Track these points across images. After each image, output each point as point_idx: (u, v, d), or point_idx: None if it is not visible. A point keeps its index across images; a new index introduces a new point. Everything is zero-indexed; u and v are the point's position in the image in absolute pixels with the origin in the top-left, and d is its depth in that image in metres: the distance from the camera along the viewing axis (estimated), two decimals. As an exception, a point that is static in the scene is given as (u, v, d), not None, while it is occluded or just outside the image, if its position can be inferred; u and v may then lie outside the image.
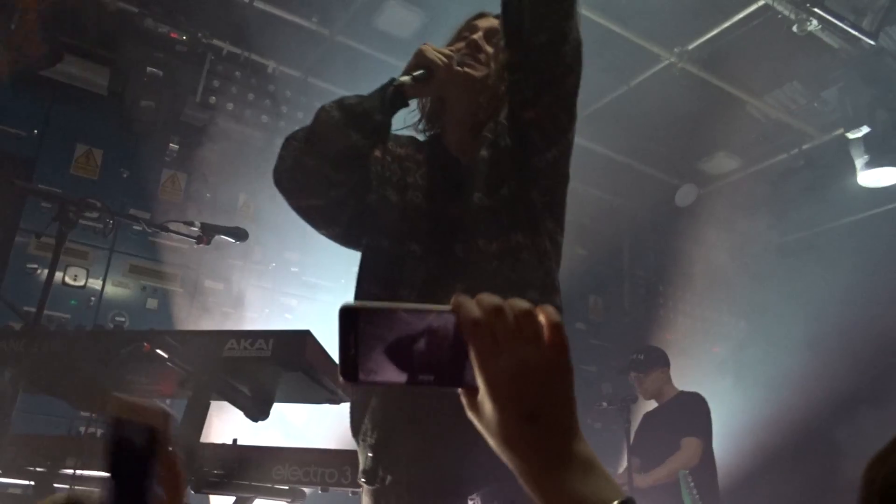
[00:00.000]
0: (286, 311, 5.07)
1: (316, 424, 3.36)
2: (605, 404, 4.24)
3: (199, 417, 1.99)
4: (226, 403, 2.16)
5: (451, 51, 1.74)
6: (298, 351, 1.94)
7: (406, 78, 1.61)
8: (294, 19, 4.64)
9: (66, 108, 4.76)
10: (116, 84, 4.75)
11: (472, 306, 0.66)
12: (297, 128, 5.02)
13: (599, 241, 6.64)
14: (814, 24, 4.07)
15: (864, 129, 4.34)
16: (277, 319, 4.95)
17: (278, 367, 1.97)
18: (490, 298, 0.67)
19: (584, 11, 4.33)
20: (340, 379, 0.67)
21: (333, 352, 2.12)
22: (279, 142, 5.29)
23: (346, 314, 0.67)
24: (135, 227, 4.62)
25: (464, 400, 0.69)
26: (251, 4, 4.50)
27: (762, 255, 6.62)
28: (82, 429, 3.10)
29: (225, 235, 2.63)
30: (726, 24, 4.38)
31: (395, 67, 4.89)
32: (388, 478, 1.52)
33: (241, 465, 2.08)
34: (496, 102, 1.76)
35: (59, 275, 4.42)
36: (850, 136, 4.47)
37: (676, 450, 4.08)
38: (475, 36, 1.79)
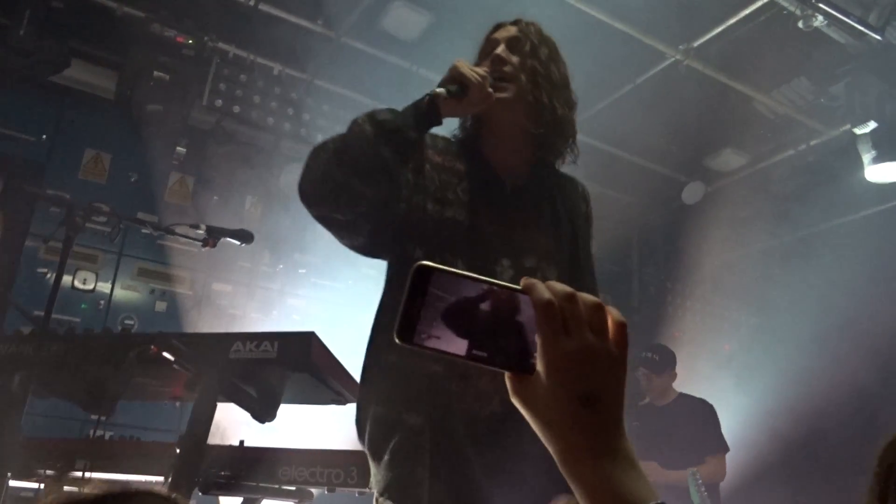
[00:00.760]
0: (294, 312, 5.09)
1: (322, 425, 3.37)
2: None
3: (206, 419, 2.00)
4: (233, 405, 2.18)
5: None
6: (304, 352, 1.95)
7: (441, 90, 1.60)
8: (299, 21, 4.65)
9: (75, 113, 4.80)
10: (124, 88, 4.78)
11: (544, 288, 0.68)
12: (302, 130, 4.98)
13: (607, 240, 6.59)
14: (820, 20, 4.05)
15: (872, 125, 4.32)
16: (285, 321, 4.97)
17: (284, 368, 1.98)
18: (561, 286, 0.69)
19: (589, 9, 4.34)
20: (395, 339, 0.65)
21: (338, 353, 2.13)
22: (285, 144, 5.29)
23: (420, 273, 0.66)
24: (143, 230, 4.67)
25: (509, 384, 0.70)
26: (256, 7, 4.51)
27: (771, 251, 6.60)
28: (90, 431, 3.12)
29: (230, 238, 2.65)
30: (732, 21, 4.36)
31: (401, 69, 4.94)
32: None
33: (248, 466, 2.09)
34: (536, 118, 1.75)
35: (68, 278, 4.46)
36: (858, 131, 4.45)
37: (698, 461, 4.03)
38: (498, 50, 1.79)
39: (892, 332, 5.28)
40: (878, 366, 5.43)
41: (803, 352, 5.61)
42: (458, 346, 0.66)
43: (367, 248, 1.79)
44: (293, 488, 2.20)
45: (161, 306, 4.72)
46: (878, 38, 4.21)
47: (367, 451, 1.65)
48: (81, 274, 4.53)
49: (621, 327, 0.71)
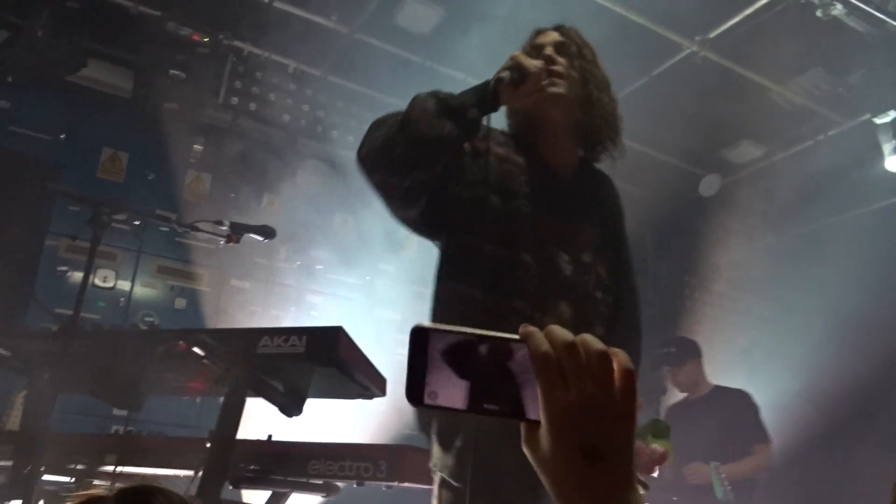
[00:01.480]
0: (312, 308, 5.11)
1: (350, 420, 3.38)
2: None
3: (235, 414, 2.01)
4: (260, 400, 2.19)
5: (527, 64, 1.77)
6: (331, 347, 1.96)
7: (505, 73, 1.66)
8: (313, 18, 4.65)
9: (92, 113, 4.83)
10: (140, 87, 4.80)
11: (542, 338, 0.66)
12: (317, 127, 5.00)
13: (622, 233, 6.61)
14: (838, 9, 4.02)
15: (892, 114, 4.29)
16: (303, 317, 4.99)
17: (312, 363, 1.98)
18: (562, 333, 0.66)
19: (603, 1, 4.32)
20: (407, 400, 0.66)
21: (365, 348, 2.14)
22: (301, 140, 5.30)
23: (418, 334, 0.67)
24: (161, 228, 4.69)
25: (522, 432, 0.68)
26: (271, 5, 4.52)
27: (787, 243, 6.56)
28: (117, 428, 3.15)
29: (253, 234, 2.66)
30: (748, 11, 4.33)
31: (415, 64, 4.94)
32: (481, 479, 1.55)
33: (277, 460, 2.10)
34: (587, 113, 1.86)
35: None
36: (878, 121, 4.42)
37: (744, 453, 4.00)
38: (547, 51, 1.87)
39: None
40: (894, 357, 5.39)
41: (819, 344, 5.58)
42: (466, 400, 0.65)
43: (419, 223, 1.80)
44: (321, 482, 2.21)
45: (181, 303, 4.75)
46: (897, 26, 4.18)
47: (434, 437, 1.69)
48: (101, 272, 4.56)
49: (628, 375, 0.66)
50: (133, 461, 2.18)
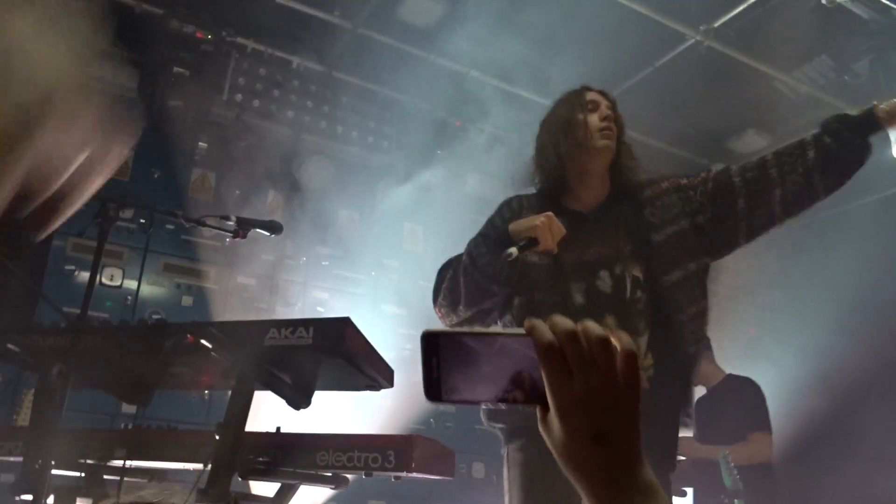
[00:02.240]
0: (318, 304, 5.11)
1: (358, 411, 3.39)
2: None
3: (243, 407, 2.01)
4: (268, 393, 2.19)
5: (590, 123, 2.21)
6: (339, 338, 1.95)
7: (514, 249, 1.91)
8: (316, 13, 4.66)
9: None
10: (145, 85, 4.81)
11: (545, 330, 0.69)
12: (321, 122, 5.06)
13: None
14: (843, -5, 4.01)
15: (898, 101, 4.25)
16: (310, 313, 5.00)
17: (319, 354, 1.98)
18: (564, 322, 0.70)
19: (608, -8, 4.32)
20: (426, 398, 0.71)
21: (370, 337, 2.14)
22: (305, 136, 5.32)
23: (428, 339, 0.71)
24: (168, 226, 4.70)
25: (538, 415, 0.72)
26: (274, 1, 4.52)
27: (793, 232, 6.53)
28: (126, 424, 3.16)
29: (260, 229, 2.66)
30: (752, 0, 4.32)
31: (417, 58, 4.93)
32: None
33: (286, 452, 2.11)
34: (621, 158, 2.26)
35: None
36: (884, 108, 4.38)
37: (739, 440, 4.01)
38: (608, 111, 2.26)
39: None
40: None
41: (829, 334, 5.56)
42: (482, 394, 0.70)
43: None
44: (329, 474, 2.21)
45: (187, 301, 4.76)
46: (902, 12, 4.16)
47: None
48: (108, 270, 4.58)
49: (630, 357, 0.69)
50: (142, 455, 2.19)
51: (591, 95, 2.30)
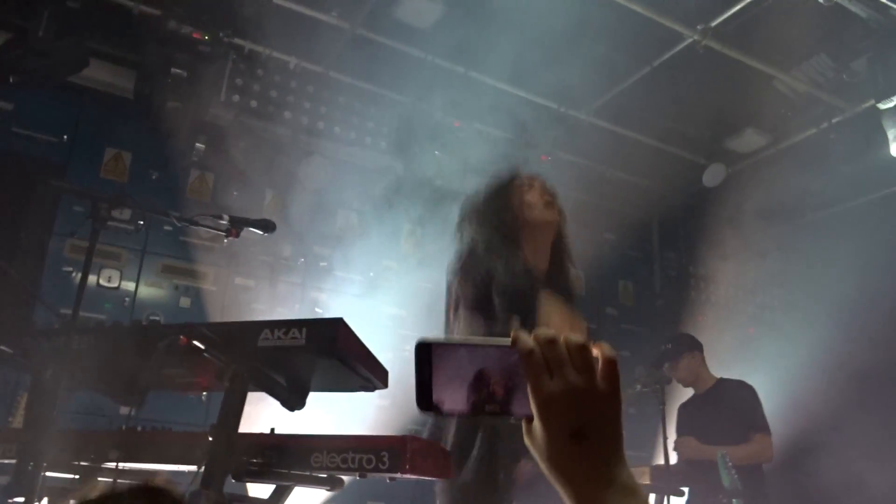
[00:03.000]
0: (316, 305, 5.11)
1: (352, 412, 3.38)
2: (638, 387, 4.21)
3: (236, 408, 2.01)
4: (263, 395, 2.18)
5: (532, 200, 2.74)
6: (332, 338, 1.95)
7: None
8: (314, 14, 4.65)
9: (95, 113, 4.84)
10: (142, 87, 4.81)
11: (528, 338, 0.72)
12: (319, 123, 5.11)
13: (627, 225, 6.60)
14: (841, -7, 3.99)
15: (896, 99, 4.25)
16: (308, 314, 4.99)
17: (313, 355, 1.97)
18: (545, 331, 0.73)
19: (605, -8, 4.31)
20: (417, 408, 0.73)
21: (370, 344, 2.14)
22: (303, 137, 5.34)
23: (421, 348, 0.73)
24: (165, 227, 4.70)
25: (524, 427, 0.75)
26: (271, 1, 4.51)
27: (794, 231, 6.53)
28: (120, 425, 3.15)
29: (253, 228, 2.65)
30: (750, -2, 4.31)
31: (415, 58, 4.92)
32: None
33: (280, 453, 2.10)
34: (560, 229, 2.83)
35: (93, 277, 4.50)
36: (882, 106, 4.38)
37: (741, 441, 4.01)
38: (548, 187, 2.81)
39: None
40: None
41: (829, 332, 5.55)
42: (470, 404, 0.72)
43: None
44: (325, 476, 2.20)
45: (185, 302, 4.76)
46: (900, 10, 4.14)
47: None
48: (106, 272, 4.58)
49: (610, 363, 0.72)
50: (136, 457, 2.18)
51: (519, 181, 2.79)
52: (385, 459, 2.00)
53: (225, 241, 2.71)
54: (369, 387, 2.24)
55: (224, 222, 2.55)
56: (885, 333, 5.43)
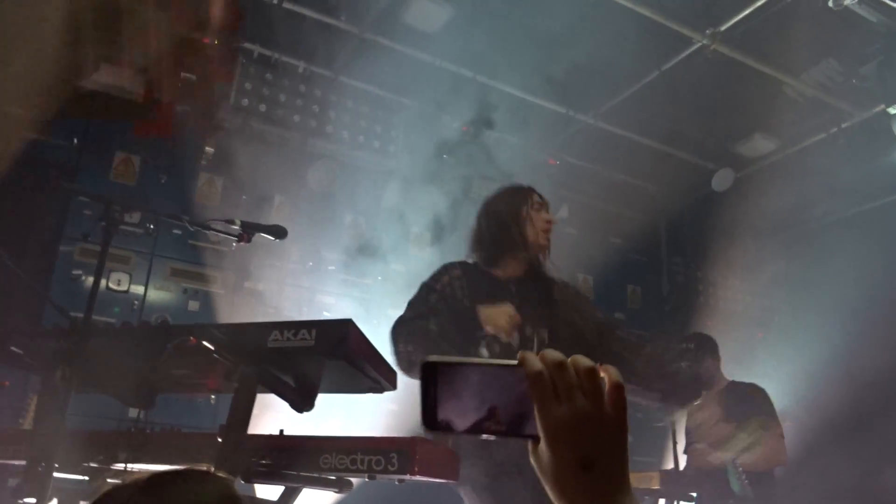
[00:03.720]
0: (324, 309, 5.11)
1: (361, 413, 3.38)
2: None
3: (245, 409, 2.01)
4: (272, 397, 2.18)
5: (536, 222, 2.80)
6: (341, 340, 1.94)
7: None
8: (322, 18, 4.67)
9: (104, 117, 4.86)
10: (152, 91, 4.83)
11: (536, 360, 0.72)
12: (327, 127, 5.18)
13: (635, 230, 6.59)
14: (850, -2, 3.99)
15: (906, 104, 4.24)
16: (316, 318, 4.97)
17: (322, 356, 1.97)
18: (553, 354, 0.72)
19: (613, -4, 4.31)
20: (422, 429, 0.73)
21: (375, 342, 2.13)
22: (312, 141, 5.37)
23: (427, 368, 0.73)
24: (174, 230, 4.71)
25: (529, 448, 0.74)
26: (280, 6, 4.54)
27: (803, 236, 6.50)
28: (130, 427, 3.15)
29: (265, 233, 2.66)
30: (759, 3, 4.30)
31: (424, 62, 4.93)
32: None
33: (289, 454, 2.10)
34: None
35: (102, 280, 4.49)
36: (892, 111, 4.38)
37: (755, 445, 3.98)
38: (549, 216, 2.83)
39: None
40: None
41: (838, 337, 5.52)
42: (476, 424, 0.72)
43: None
44: (333, 477, 2.20)
45: (194, 305, 4.77)
46: (910, 14, 4.13)
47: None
48: (115, 275, 4.59)
49: (617, 389, 0.72)
50: (145, 458, 2.18)
51: (536, 197, 2.84)
52: (394, 461, 2.00)
53: (234, 245, 2.71)
54: (378, 388, 2.23)
55: (236, 227, 2.56)
56: (893, 338, 5.39)
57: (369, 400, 2.82)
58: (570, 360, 0.72)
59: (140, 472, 1.07)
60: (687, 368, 2.59)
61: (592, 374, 0.71)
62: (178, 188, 4.91)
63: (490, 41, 4.65)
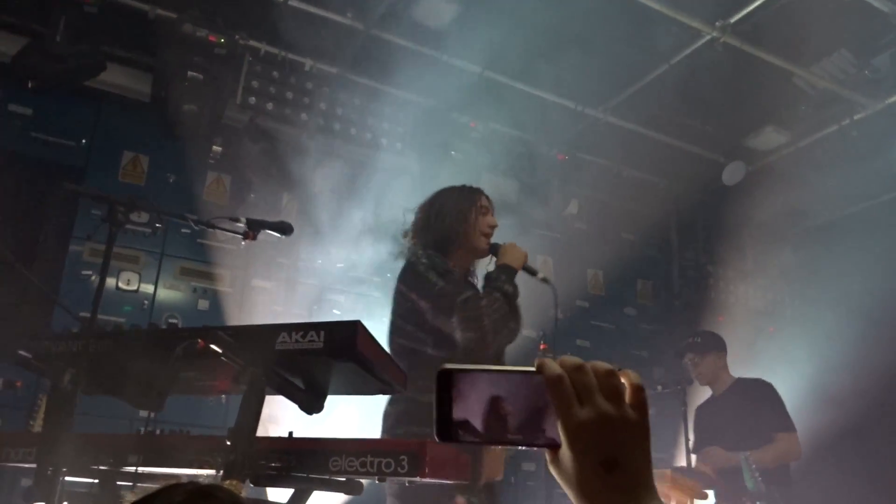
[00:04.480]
0: (334, 306, 5.10)
1: (371, 416, 3.37)
2: (659, 388, 4.17)
3: (254, 411, 1.99)
4: (282, 400, 2.17)
5: (479, 225, 2.97)
6: (350, 342, 1.93)
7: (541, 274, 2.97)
8: (329, 15, 4.64)
9: (112, 117, 4.87)
10: (159, 90, 4.83)
11: (554, 364, 0.71)
12: (335, 124, 5.18)
13: (646, 225, 6.55)
14: (862, -12, 3.93)
15: (920, 95, 4.18)
16: (326, 315, 4.99)
17: (330, 358, 1.96)
18: (572, 358, 0.72)
19: (622, -11, 4.26)
20: (436, 439, 0.72)
21: (383, 342, 2.12)
22: (319, 138, 5.35)
23: (443, 376, 0.71)
24: (183, 230, 4.71)
25: (547, 456, 0.73)
26: (286, 3, 4.52)
27: (814, 229, 6.45)
28: (140, 428, 3.15)
29: (270, 230, 2.64)
30: (769, -6, 4.25)
31: (431, 58, 4.91)
32: None
33: (299, 457, 2.08)
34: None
35: (112, 280, 4.52)
36: (906, 102, 4.31)
37: (766, 442, 3.95)
38: (493, 220, 3.02)
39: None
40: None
41: (851, 332, 5.48)
42: (492, 434, 0.71)
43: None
44: (343, 479, 2.19)
45: (204, 304, 4.77)
46: (924, 4, 4.08)
47: None
48: (125, 275, 4.59)
49: (638, 391, 0.72)
50: (154, 460, 2.17)
51: (484, 201, 3.01)
52: (404, 463, 1.98)
53: (242, 243, 2.70)
54: (388, 390, 2.22)
55: (241, 225, 2.55)
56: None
57: (380, 402, 2.82)
58: (588, 363, 0.72)
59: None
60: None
61: (611, 376, 0.71)
62: (186, 187, 4.91)
63: (498, 37, 4.62)
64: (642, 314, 6.53)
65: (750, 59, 4.78)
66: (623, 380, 0.72)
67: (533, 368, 0.72)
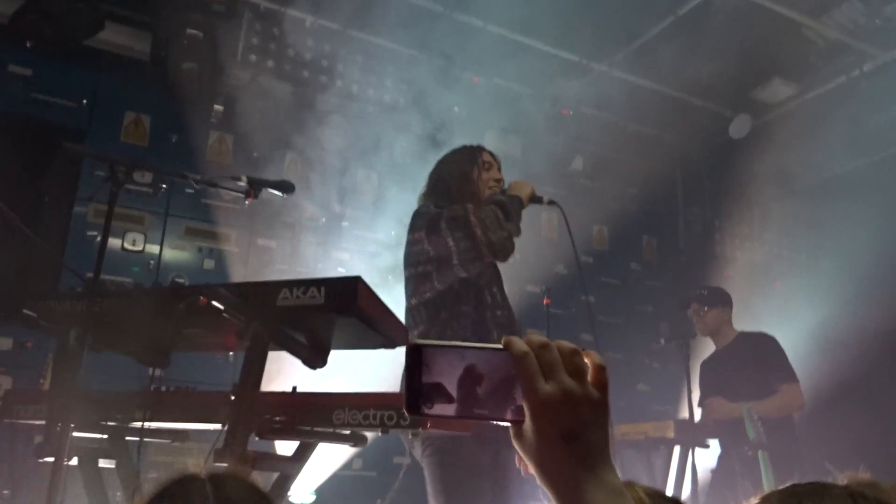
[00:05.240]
0: (339, 264, 5.13)
1: (373, 369, 3.41)
2: (662, 341, 4.19)
3: (257, 366, 2.02)
4: (286, 356, 2.19)
5: (483, 180, 2.96)
6: (350, 297, 1.94)
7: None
8: (329, -30, 4.57)
9: (113, 77, 4.83)
10: (158, 49, 4.78)
11: (520, 342, 0.74)
12: (337, 81, 5.15)
13: (651, 180, 6.51)
14: (873, -67, 3.83)
15: (931, 43, 4.10)
16: (331, 273, 5.01)
17: (332, 313, 1.97)
18: (538, 336, 0.75)
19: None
20: (405, 411, 0.74)
21: (385, 298, 2.13)
22: (321, 97, 5.30)
23: (413, 351, 0.73)
24: (187, 190, 4.71)
25: (511, 431, 0.76)
26: (284, -42, 4.45)
27: (822, 184, 6.39)
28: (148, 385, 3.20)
29: (272, 189, 2.64)
30: (778, -59, 4.16)
31: (433, 13, 4.84)
32: None
33: (302, 411, 2.12)
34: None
35: (118, 241, 4.54)
36: (917, 51, 4.24)
37: (769, 393, 3.98)
38: (499, 174, 3.01)
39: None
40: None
41: (856, 287, 5.47)
42: (459, 408, 0.73)
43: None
44: (348, 432, 2.22)
45: (209, 264, 4.79)
46: (936, -51, 3.97)
47: None
48: (130, 235, 4.61)
49: (600, 370, 0.75)
50: (162, 416, 2.21)
51: (486, 156, 3.00)
52: (406, 416, 2.01)
53: (246, 203, 2.70)
54: (389, 345, 2.24)
55: (242, 184, 2.54)
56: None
57: (382, 358, 2.84)
58: (553, 342, 0.75)
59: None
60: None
61: (575, 354, 0.74)
62: (189, 147, 4.90)
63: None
64: (647, 269, 6.53)
65: (758, 10, 4.70)
66: (586, 359, 0.75)
67: (501, 346, 0.74)
